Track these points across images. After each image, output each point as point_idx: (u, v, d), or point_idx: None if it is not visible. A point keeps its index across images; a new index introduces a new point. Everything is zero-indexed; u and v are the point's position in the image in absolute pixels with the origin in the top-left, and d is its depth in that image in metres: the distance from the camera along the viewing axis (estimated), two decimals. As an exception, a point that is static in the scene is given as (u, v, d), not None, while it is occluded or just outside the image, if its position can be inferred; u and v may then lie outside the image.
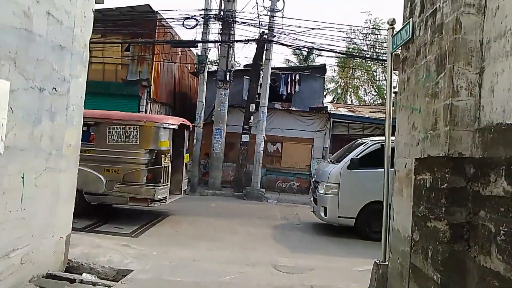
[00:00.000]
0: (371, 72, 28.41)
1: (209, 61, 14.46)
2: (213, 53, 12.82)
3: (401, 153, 4.24)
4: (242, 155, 13.10)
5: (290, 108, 15.58)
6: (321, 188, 7.94)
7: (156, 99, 15.49)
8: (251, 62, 13.40)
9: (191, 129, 9.26)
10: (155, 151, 7.96)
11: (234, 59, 13.15)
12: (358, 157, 7.69)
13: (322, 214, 7.83)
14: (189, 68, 18.72)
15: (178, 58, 17.78)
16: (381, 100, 28.83)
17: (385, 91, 28.56)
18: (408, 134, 4.04)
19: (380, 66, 27.43)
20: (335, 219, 7.76)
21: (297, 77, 16.71)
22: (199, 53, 13.32)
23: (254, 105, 13.15)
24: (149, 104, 14.93)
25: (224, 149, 13.46)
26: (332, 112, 14.94)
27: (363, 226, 7.67)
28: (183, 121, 8.72)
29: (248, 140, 13.10)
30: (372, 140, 8.02)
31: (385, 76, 28.27)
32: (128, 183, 7.68)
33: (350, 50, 26.93)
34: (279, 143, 14.68)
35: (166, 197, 8.07)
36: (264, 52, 12.98)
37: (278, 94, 16.78)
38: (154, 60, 14.85)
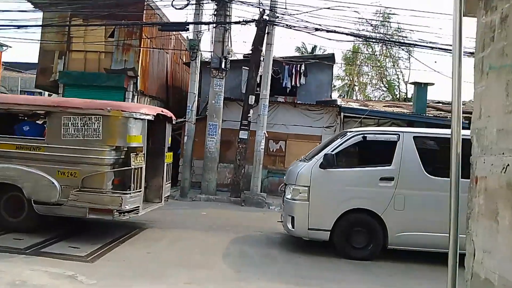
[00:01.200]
0: (381, 66, 26.60)
1: (206, 51, 12.76)
2: (208, 41, 11.25)
3: (491, 147, 2.49)
4: (239, 155, 11.35)
5: (295, 98, 13.83)
6: (288, 192, 6.26)
7: (145, 92, 13.79)
8: (251, 50, 11.65)
9: (174, 122, 7.52)
10: (124, 149, 6.25)
11: (230, 44, 11.41)
12: (333, 152, 5.96)
13: (289, 225, 6.14)
14: (184, 60, 17.01)
15: (171, 47, 16.07)
16: (391, 97, 27.04)
17: (396, 86, 26.80)
18: (506, 114, 2.30)
19: (391, 59, 25.67)
20: (304, 231, 6.03)
21: (303, 67, 14.97)
22: (191, 37, 11.58)
23: (253, 97, 11.40)
24: (136, 97, 13.23)
25: (219, 148, 11.72)
26: (343, 106, 13.15)
27: (341, 240, 5.97)
28: (161, 111, 6.99)
29: (246, 137, 11.36)
30: (352, 131, 6.27)
31: (396, 70, 26.51)
32: (88, 189, 5.98)
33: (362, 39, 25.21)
34: (282, 141, 12.92)
35: (138, 207, 6.35)
36: (265, 36, 11.23)
37: (281, 87, 15.05)
38: (142, 46, 13.14)
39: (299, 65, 14.99)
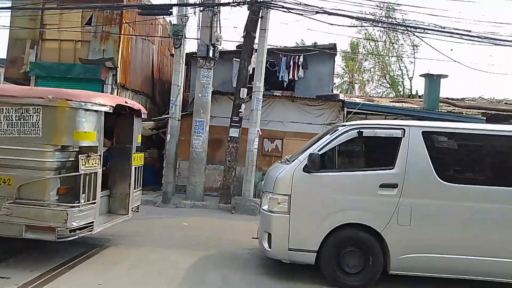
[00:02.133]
0: (384, 61, 25.28)
1: (192, 38, 11.39)
2: (195, 28, 9.92)
3: None
4: (230, 155, 10.01)
5: (292, 93, 12.50)
6: (264, 202, 4.95)
7: (126, 86, 12.45)
8: (242, 37, 10.31)
9: (144, 116, 6.17)
10: (74, 149, 4.92)
11: (219, 30, 10.07)
12: (320, 152, 4.65)
13: (265, 244, 4.83)
14: (172, 51, 15.63)
15: (157, 38, 14.73)
16: (394, 94, 25.71)
17: (400, 82, 25.46)
18: None
19: (395, 53, 24.36)
20: (283, 252, 4.71)
21: (301, 59, 13.64)
22: (175, 22, 10.24)
23: (245, 90, 10.06)
24: (116, 90, 11.88)
25: (207, 147, 10.38)
26: (346, 100, 11.82)
27: (330, 264, 4.65)
28: (125, 102, 5.64)
29: (238, 136, 10.02)
30: (344, 125, 4.91)
31: (400, 66, 25.18)
32: (25, 201, 4.66)
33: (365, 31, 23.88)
34: (278, 140, 11.58)
35: (92, 222, 5.02)
36: (259, 20, 9.88)
37: (277, 80, 13.73)
38: (122, 33, 11.79)
39: (297, 57, 13.66)
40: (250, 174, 10.01)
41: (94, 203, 5.00)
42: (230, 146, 10.00)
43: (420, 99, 15.70)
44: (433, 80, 11.57)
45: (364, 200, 4.59)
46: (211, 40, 9.86)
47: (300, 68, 13.78)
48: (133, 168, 6.02)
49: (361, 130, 4.74)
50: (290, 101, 11.87)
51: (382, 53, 25.07)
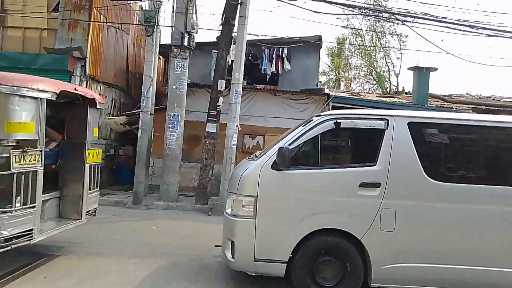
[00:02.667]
0: (371, 57, 24.83)
1: (167, 25, 10.59)
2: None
3: None
4: (206, 152, 9.27)
5: (276, 87, 11.81)
6: (228, 205, 4.28)
7: (97, 78, 11.55)
8: (220, 25, 9.56)
9: (100, 106, 5.39)
10: (6, 143, 4.12)
11: (196, 17, 9.31)
12: (291, 146, 4.01)
13: (227, 254, 4.14)
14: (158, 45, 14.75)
15: (132, 28, 13.87)
16: (381, 90, 25.28)
17: (387, 79, 25.06)
18: None
19: (382, 49, 23.90)
20: (248, 263, 4.03)
21: (285, 51, 12.98)
22: (147, 7, 9.44)
23: (223, 82, 9.33)
24: (85, 83, 10.98)
25: (182, 144, 9.62)
26: (331, 94, 11.18)
27: (303, 275, 3.98)
28: (74, 88, 4.85)
29: (215, 131, 9.28)
30: (320, 115, 4.24)
31: (387, 62, 24.78)
32: None
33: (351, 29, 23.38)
34: (260, 136, 10.89)
35: (31, 230, 4.23)
36: (239, 6, 9.15)
37: (260, 74, 13.04)
38: (92, 20, 10.90)
39: (280, 49, 13.01)
40: (228, 173, 9.25)
41: (34, 207, 4.22)
42: (207, 142, 9.26)
43: (408, 95, 15.21)
44: (422, 74, 11.02)
45: (342, 202, 3.95)
46: (186, 28, 9.10)
47: (284, 61, 13.15)
48: (87, 166, 5.23)
49: (338, 120, 4.07)
50: (272, 95, 11.20)
51: (368, 49, 24.58)
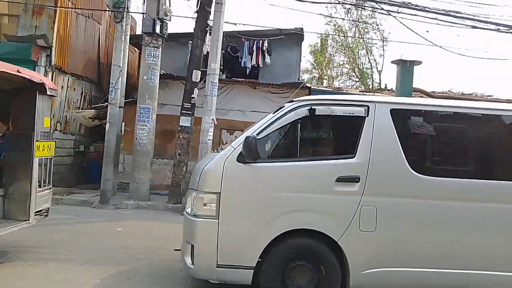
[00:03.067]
0: (353, 54, 24.59)
1: (138, 12, 9.88)
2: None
3: None
4: (180, 148, 8.68)
5: (255, 81, 11.30)
6: (188, 204, 3.74)
7: (64, 69, 10.81)
8: (195, 12, 8.97)
9: (51, 93, 4.75)
10: None
11: (169, 3, 8.70)
12: (259, 136, 3.52)
13: (187, 260, 3.59)
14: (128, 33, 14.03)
15: (105, 18, 13.12)
16: (363, 87, 25.08)
17: (369, 75, 24.90)
18: None
19: (365, 47, 23.71)
20: (210, 270, 3.49)
21: (266, 44, 12.48)
22: (116, -8, 8.79)
23: (199, 73, 8.76)
24: (50, 73, 10.24)
25: (154, 139, 9.01)
26: (313, 88, 10.75)
27: (272, 283, 3.48)
28: (17, 71, 4.22)
29: (190, 125, 8.70)
30: (293, 101, 3.75)
31: (369, 59, 24.61)
32: None
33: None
34: (239, 131, 10.30)
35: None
36: (215, -9, 8.60)
37: (240, 67, 12.52)
38: (59, 6, 10.15)
39: (261, 41, 12.50)
40: (204, 170, 8.70)
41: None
42: (181, 137, 8.67)
43: (391, 92, 14.92)
44: (406, 67, 10.66)
45: (317, 199, 3.47)
46: (158, 14, 8.49)
47: (265, 54, 12.66)
48: (35, 160, 4.60)
49: (313, 107, 3.59)
50: (251, 88, 10.70)
51: (351, 45, 24.35)
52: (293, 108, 3.63)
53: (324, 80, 28.23)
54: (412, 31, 9.76)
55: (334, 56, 26.62)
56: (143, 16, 8.75)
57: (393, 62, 11.09)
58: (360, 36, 23.33)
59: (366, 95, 11.57)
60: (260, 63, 12.59)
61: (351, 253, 3.44)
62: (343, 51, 25.22)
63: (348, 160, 3.52)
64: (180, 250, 3.95)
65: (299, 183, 3.50)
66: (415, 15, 8.95)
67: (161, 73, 9.70)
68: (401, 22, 9.22)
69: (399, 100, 3.95)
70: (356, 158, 3.51)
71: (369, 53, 24.18)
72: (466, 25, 8.64)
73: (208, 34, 8.98)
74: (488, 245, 3.53)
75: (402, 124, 3.63)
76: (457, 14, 8.18)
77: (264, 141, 3.60)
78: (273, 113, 3.74)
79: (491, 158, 3.80)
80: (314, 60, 27.65)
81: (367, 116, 3.57)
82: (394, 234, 3.48)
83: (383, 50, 22.96)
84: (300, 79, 13.97)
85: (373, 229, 3.45)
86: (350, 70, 25.93)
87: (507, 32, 8.74)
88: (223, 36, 12.02)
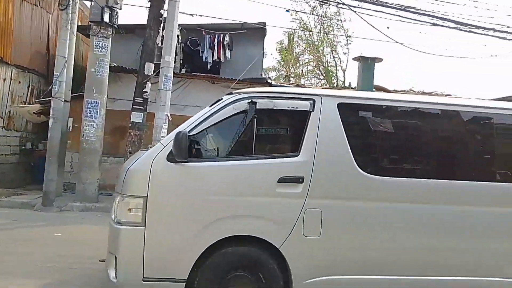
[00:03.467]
0: (318, 52, 24.61)
1: None
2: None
3: None
4: (131, 145, 8.14)
5: (214, 76, 10.88)
6: (113, 209, 3.26)
7: (6, 59, 9.97)
8: (148, 1, 8.44)
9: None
10: None
11: (119, -11, 8.12)
12: (191, 133, 3.13)
13: (110, 273, 3.12)
14: (79, 23, 13.21)
15: (56, 6, 12.25)
16: (328, 85, 25.18)
17: (334, 74, 25.04)
18: None
19: (330, 45, 23.77)
20: (135, 284, 3.04)
21: (227, 38, 12.08)
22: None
23: (152, 65, 8.25)
24: (-11, 65, 9.40)
25: (105, 136, 8.42)
26: (274, 83, 10.46)
27: None
28: None
29: (142, 121, 8.19)
30: (232, 94, 3.38)
31: (334, 57, 24.73)
32: None
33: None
34: (196, 128, 9.89)
35: None
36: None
37: (201, 62, 12.06)
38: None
39: (222, 35, 12.07)
40: (157, 169, 8.21)
41: None
42: (132, 134, 8.14)
43: (355, 90, 14.90)
44: (367, 64, 10.55)
45: (256, 202, 3.12)
46: (107, 2, 7.89)
47: (226, 48, 12.26)
48: None
49: (254, 100, 3.22)
50: (210, 83, 10.27)
51: (316, 43, 24.35)
52: (231, 101, 3.25)
53: (291, 78, 28.19)
54: (373, 27, 9.65)
55: (301, 54, 26.63)
56: (91, 4, 8.13)
57: (354, 59, 10.98)
58: (324, 32, 23.37)
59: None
60: (221, 58, 12.20)
61: (294, 261, 3.11)
62: (308, 49, 25.19)
63: (292, 159, 3.18)
64: (104, 260, 3.49)
65: (236, 185, 3.12)
66: (378, 11, 8.82)
67: (113, 65, 9.11)
68: (361, 18, 9.08)
69: (348, 93, 3.67)
70: (300, 157, 3.18)
71: (333, 51, 24.27)
72: (426, 22, 8.57)
73: (162, 24, 8.47)
74: (444, 249, 3.31)
75: (350, 120, 3.32)
76: (416, 11, 8.09)
77: (199, 138, 3.20)
78: (210, 107, 3.35)
79: (446, 156, 3.57)
80: (282, 59, 27.56)
81: (313, 110, 3.25)
82: (341, 240, 3.18)
83: (347, 48, 23.05)
84: (264, 75, 13.69)
85: (318, 234, 3.14)
86: (315, 68, 25.95)
87: (465, 31, 8.77)
88: (182, 29, 11.60)
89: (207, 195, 3.08)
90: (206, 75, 10.69)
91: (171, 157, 3.04)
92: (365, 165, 3.23)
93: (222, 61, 12.21)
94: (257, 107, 3.21)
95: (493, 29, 8.57)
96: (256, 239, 3.11)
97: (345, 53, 24.41)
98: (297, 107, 3.27)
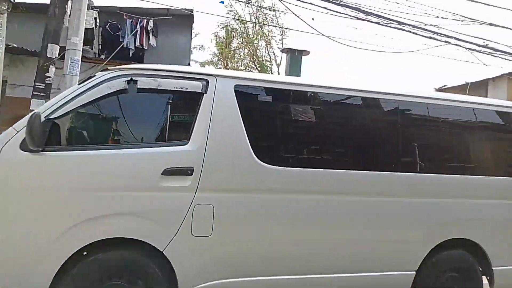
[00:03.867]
0: (253, 45, 24.51)
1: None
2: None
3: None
4: (31, 136, 7.20)
5: (132, 63, 10.12)
6: None
7: None
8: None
9: None
10: None
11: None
12: (53, 115, 2.68)
13: None
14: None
15: None
16: (263, 79, 25.18)
17: (268, 68, 25.06)
18: None
19: (264, 39, 23.73)
20: None
21: (151, 24, 11.40)
22: None
23: (57, 48, 7.34)
24: None
25: (1, 127, 7.36)
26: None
27: None
28: None
29: (44, 110, 7.26)
30: (107, 70, 2.94)
31: (268, 51, 24.76)
32: None
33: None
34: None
35: None
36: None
37: (122, 49, 11.21)
38: None
39: (146, 20, 11.36)
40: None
41: None
42: (32, 123, 7.20)
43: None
44: (294, 57, 10.50)
45: (135, 198, 2.71)
46: (1, -29, 6.86)
47: (150, 35, 11.58)
48: None
49: (134, 78, 2.79)
50: (129, 71, 9.48)
51: (252, 37, 24.23)
52: (106, 79, 2.78)
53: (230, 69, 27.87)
54: (298, 17, 9.52)
55: (238, 48, 26.38)
56: (-19, -27, 7.03)
57: (282, 51, 10.95)
58: (259, 26, 23.27)
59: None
60: (145, 45, 11.51)
61: (181, 265, 2.74)
62: (243, 42, 25.01)
63: (179, 148, 2.80)
64: None
65: (111, 178, 2.67)
66: (304, 1, 8.66)
67: (11, 46, 8.06)
68: (287, 8, 8.87)
69: (247, 75, 3.35)
70: (189, 145, 2.81)
71: (268, 46, 24.28)
72: (349, 16, 8.57)
73: (69, 2, 7.59)
74: (351, 243, 3.11)
75: (249, 104, 3.02)
76: (339, 2, 8.04)
77: (62, 122, 2.69)
78: (78, 84, 2.84)
79: (348, 146, 3.37)
80: (219, 52, 27.10)
81: (206, 92, 2.89)
82: (236, 238, 2.86)
83: (282, 43, 23.19)
84: (190, 64, 13.16)
85: (209, 233, 2.78)
86: (250, 62, 25.83)
87: (385, 25, 8.93)
88: (99, 11, 10.69)
89: (71, 191, 2.60)
90: (122, 62, 9.91)
91: (23, 146, 2.50)
92: (264, 155, 2.92)
93: (146, 48, 11.53)
94: (138, 86, 2.76)
95: (412, 26, 8.82)
96: (133, 242, 2.67)
97: (279, 48, 24.53)
98: (186, 88, 2.88)
